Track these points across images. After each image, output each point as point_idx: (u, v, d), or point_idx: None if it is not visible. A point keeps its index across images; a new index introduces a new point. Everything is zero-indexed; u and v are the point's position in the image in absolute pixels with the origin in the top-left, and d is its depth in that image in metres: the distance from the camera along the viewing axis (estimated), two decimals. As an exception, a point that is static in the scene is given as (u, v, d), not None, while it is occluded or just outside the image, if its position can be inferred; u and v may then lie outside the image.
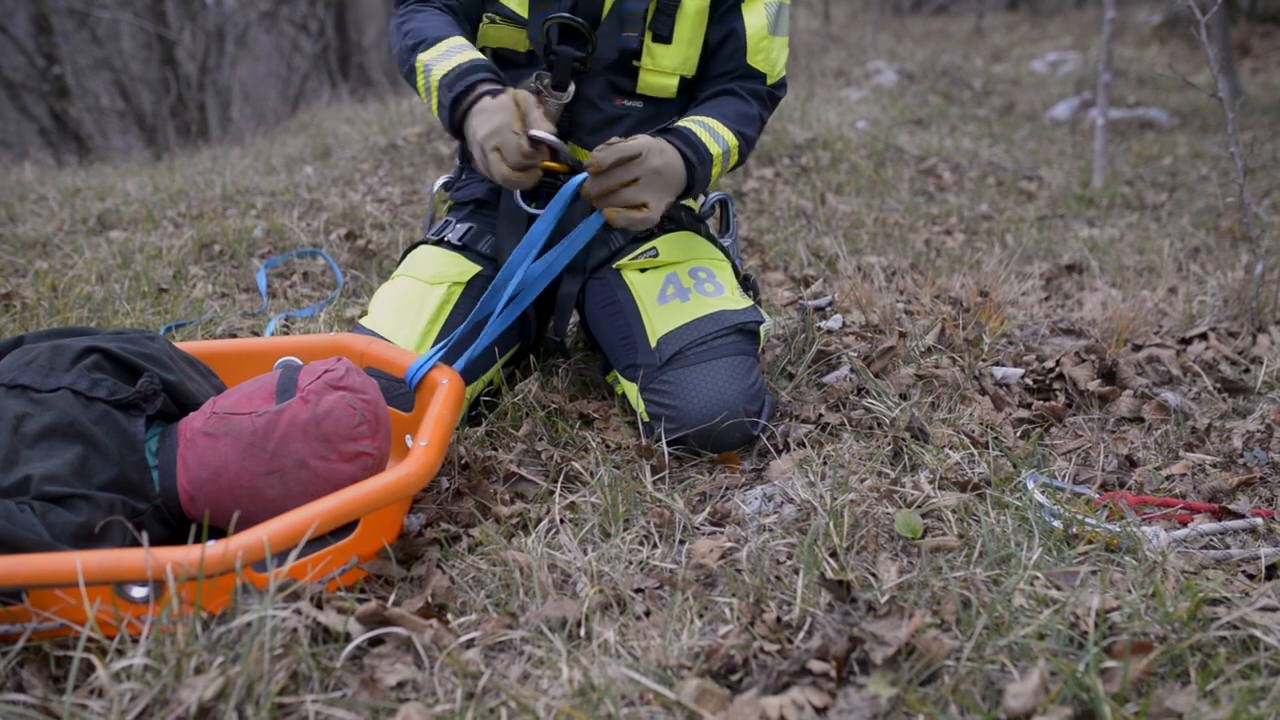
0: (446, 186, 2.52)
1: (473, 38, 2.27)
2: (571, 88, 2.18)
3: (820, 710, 1.27)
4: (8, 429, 1.55)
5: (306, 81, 16.08)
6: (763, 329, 2.20)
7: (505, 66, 2.29)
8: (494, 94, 1.99)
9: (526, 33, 2.20)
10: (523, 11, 2.19)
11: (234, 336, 2.77)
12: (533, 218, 2.30)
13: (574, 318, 2.64)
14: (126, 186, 4.92)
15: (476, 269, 2.28)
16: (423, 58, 2.12)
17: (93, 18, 13.75)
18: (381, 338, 2.12)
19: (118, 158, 9.56)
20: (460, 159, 2.51)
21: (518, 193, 2.30)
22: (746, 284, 2.38)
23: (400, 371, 1.97)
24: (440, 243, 2.35)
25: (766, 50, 2.25)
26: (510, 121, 1.92)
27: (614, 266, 2.29)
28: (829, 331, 2.66)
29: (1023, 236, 4.30)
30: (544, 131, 1.93)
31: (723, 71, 2.26)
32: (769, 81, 2.28)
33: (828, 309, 2.88)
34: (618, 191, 1.98)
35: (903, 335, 2.51)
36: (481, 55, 2.11)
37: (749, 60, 2.24)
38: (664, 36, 2.19)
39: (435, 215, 2.58)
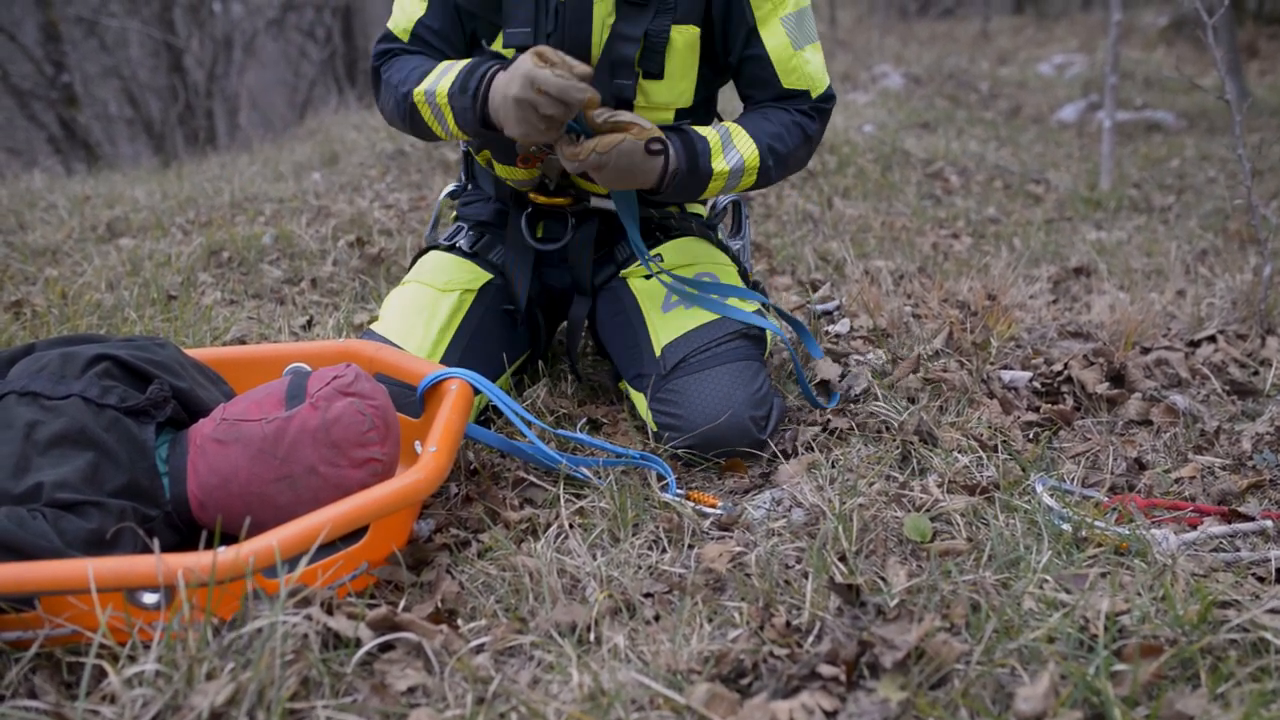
0: (453, 195, 2.52)
1: None
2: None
3: (830, 714, 1.27)
4: (19, 436, 1.56)
5: (314, 88, 16.10)
6: (769, 333, 2.20)
7: None
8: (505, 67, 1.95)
9: None
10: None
11: (243, 343, 2.78)
12: (540, 253, 2.30)
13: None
14: (135, 194, 4.93)
15: (488, 276, 2.29)
16: (418, 91, 2.08)
17: (101, 26, 13.80)
18: (392, 344, 2.12)
19: (126, 165, 9.59)
20: (464, 172, 2.50)
21: (524, 226, 2.29)
22: (754, 288, 2.38)
23: (409, 377, 1.97)
24: (451, 249, 2.36)
25: (799, 68, 2.13)
26: (531, 65, 1.84)
27: (621, 275, 2.29)
28: (837, 336, 2.66)
29: (1030, 239, 4.29)
30: (583, 65, 1.88)
31: (762, 100, 2.19)
32: (814, 96, 2.17)
33: (835, 313, 2.88)
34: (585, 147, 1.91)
35: (920, 359, 2.46)
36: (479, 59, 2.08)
37: (785, 85, 2.14)
38: (655, 73, 2.11)
39: (440, 221, 2.58)
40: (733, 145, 2.06)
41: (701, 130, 2.05)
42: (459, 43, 2.20)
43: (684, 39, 2.09)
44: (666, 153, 1.95)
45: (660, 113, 2.17)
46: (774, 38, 2.11)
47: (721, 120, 2.25)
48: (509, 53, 2.11)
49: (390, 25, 2.22)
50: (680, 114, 2.20)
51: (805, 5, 2.15)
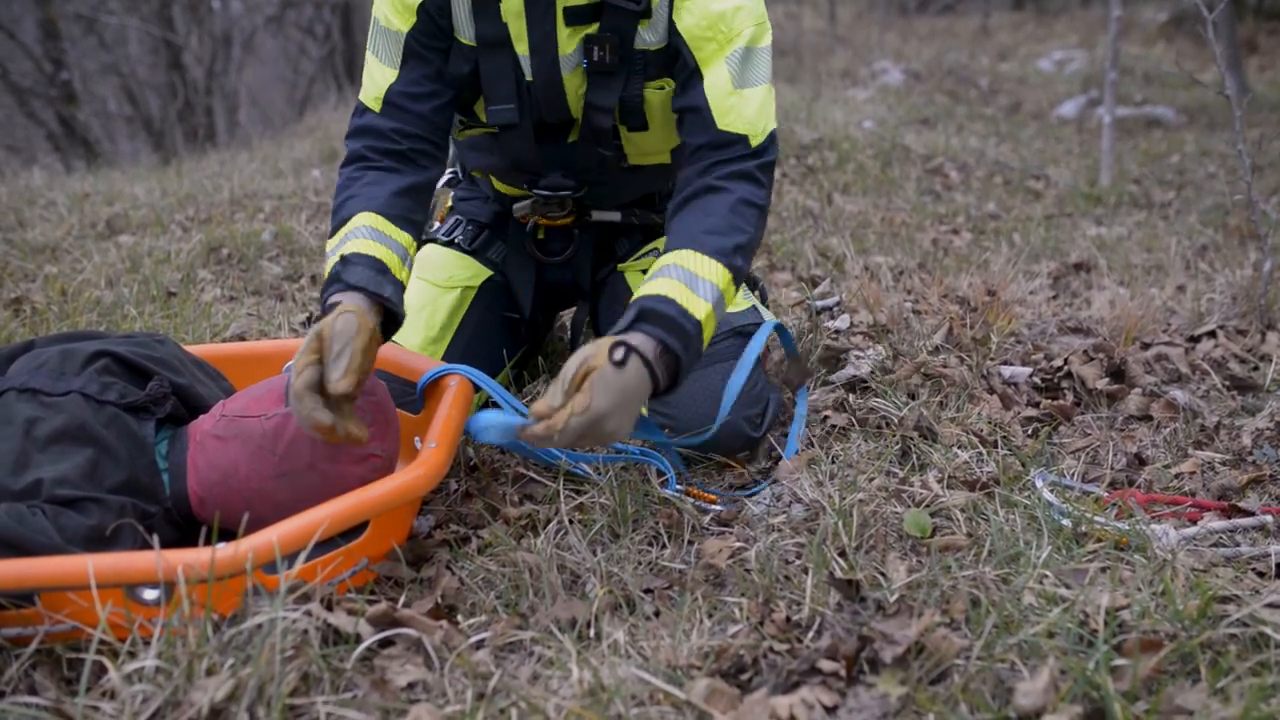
0: (449, 184, 2.50)
1: (435, 158, 2.03)
2: (567, 194, 2.16)
3: (830, 709, 1.27)
4: (19, 433, 1.56)
5: (313, 85, 16.11)
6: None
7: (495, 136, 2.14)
8: (326, 312, 1.67)
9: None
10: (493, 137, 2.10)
11: (243, 339, 2.79)
12: (541, 263, 2.30)
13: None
14: (135, 191, 4.93)
15: (488, 273, 2.29)
16: (329, 245, 1.88)
17: (100, 23, 13.79)
18: (392, 341, 2.12)
19: (125, 162, 9.60)
20: (459, 169, 2.48)
21: (526, 239, 2.29)
22: (753, 285, 2.37)
23: (409, 374, 1.97)
24: (450, 244, 2.35)
25: (737, 108, 1.87)
26: (290, 365, 1.62)
27: (618, 269, 2.29)
28: (836, 331, 2.66)
29: (1030, 235, 4.29)
30: (343, 381, 1.57)
31: (697, 146, 1.90)
32: (752, 144, 1.88)
33: (835, 309, 2.88)
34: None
35: (922, 365, 2.45)
36: (359, 249, 1.78)
37: (720, 126, 1.87)
38: (640, 127, 2.03)
39: (437, 209, 2.56)
40: (699, 279, 1.73)
41: (658, 290, 1.71)
42: (443, 104, 2.01)
43: (660, 97, 2.01)
44: (632, 350, 1.60)
45: (655, 155, 2.15)
46: (715, 75, 1.89)
47: (663, 235, 1.94)
48: (494, 129, 2.07)
49: (362, 97, 2.01)
50: (675, 151, 2.17)
51: (760, 44, 1.92)
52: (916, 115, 7.71)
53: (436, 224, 2.46)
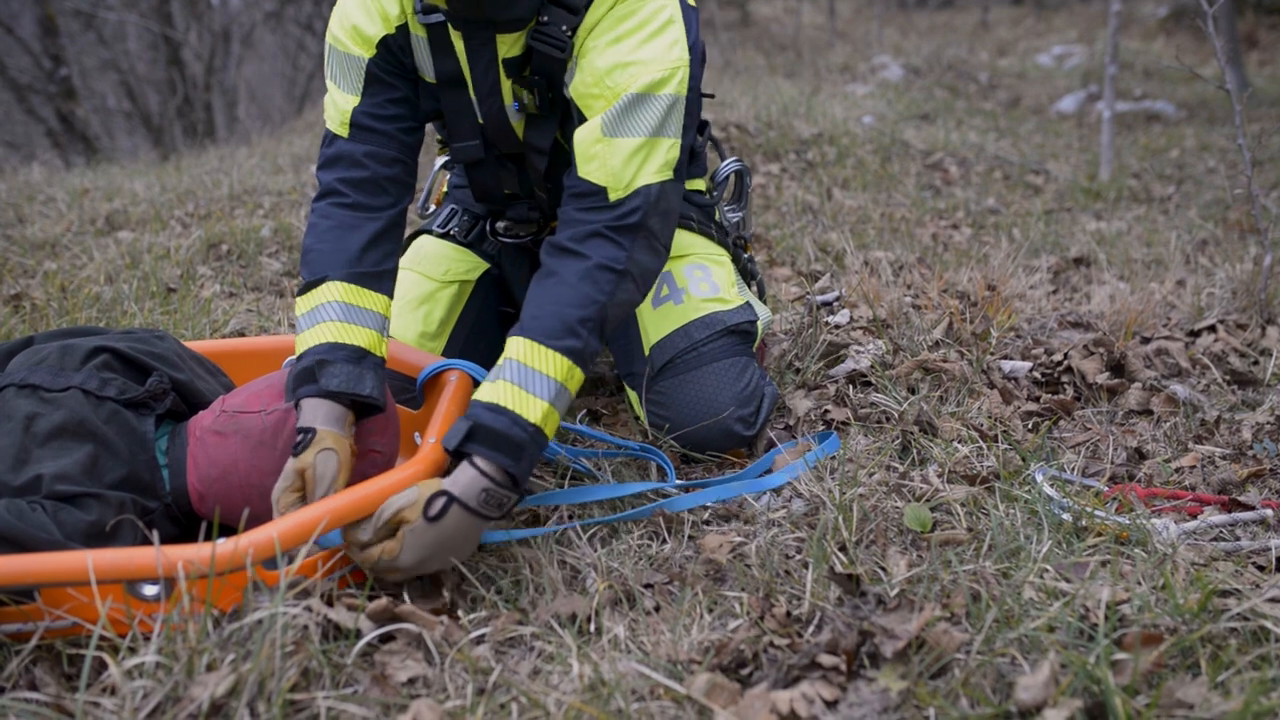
0: (446, 167, 2.49)
1: (406, 185, 2.01)
2: (529, 238, 2.22)
3: (831, 704, 1.27)
4: (19, 428, 1.56)
5: (312, 81, 16.08)
6: (760, 324, 2.18)
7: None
8: (305, 442, 1.62)
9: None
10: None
11: (242, 335, 2.78)
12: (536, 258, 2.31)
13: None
14: (134, 187, 4.93)
15: (485, 266, 2.29)
16: (299, 304, 1.83)
17: (99, 19, 13.78)
18: (391, 336, 2.12)
19: (125, 158, 9.59)
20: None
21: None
22: (750, 278, 2.36)
23: (409, 369, 1.97)
24: (445, 235, 2.34)
25: (601, 157, 1.76)
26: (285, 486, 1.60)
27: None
28: (836, 326, 2.66)
29: (1030, 230, 4.29)
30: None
31: (565, 188, 1.83)
32: (610, 198, 1.76)
33: (835, 304, 2.87)
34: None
35: (924, 361, 2.45)
36: (334, 337, 1.75)
37: (580, 174, 1.78)
38: None
39: (434, 192, 2.54)
40: (535, 375, 1.66)
41: (492, 397, 1.64)
42: (411, 127, 1.99)
43: None
44: (453, 501, 1.54)
45: None
46: (592, 120, 1.80)
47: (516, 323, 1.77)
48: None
49: (328, 126, 1.95)
50: None
51: (659, 91, 1.79)
52: (916, 110, 7.71)
53: (432, 207, 2.44)
